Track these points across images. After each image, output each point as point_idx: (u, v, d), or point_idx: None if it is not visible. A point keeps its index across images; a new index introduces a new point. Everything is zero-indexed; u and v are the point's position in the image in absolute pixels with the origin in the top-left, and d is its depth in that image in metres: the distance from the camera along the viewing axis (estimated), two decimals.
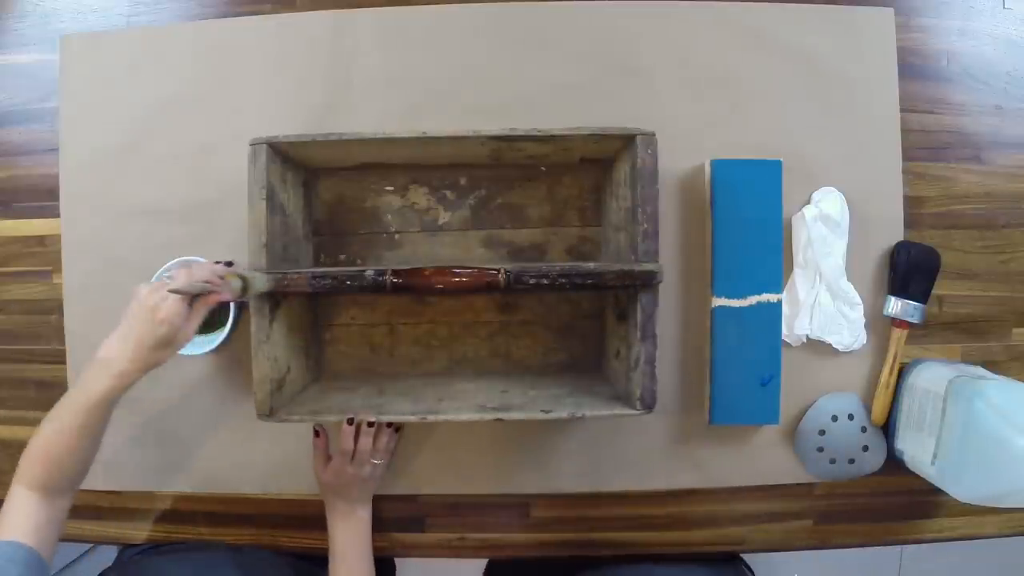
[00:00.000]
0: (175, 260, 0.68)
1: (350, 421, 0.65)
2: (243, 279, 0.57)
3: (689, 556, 0.75)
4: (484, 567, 0.92)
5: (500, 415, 0.60)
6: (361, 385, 0.69)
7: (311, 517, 0.73)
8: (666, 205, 0.71)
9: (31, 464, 0.57)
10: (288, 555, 0.74)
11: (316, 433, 0.70)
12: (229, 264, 0.66)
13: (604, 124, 0.64)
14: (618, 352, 0.66)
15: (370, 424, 0.67)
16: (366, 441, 0.67)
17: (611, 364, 0.68)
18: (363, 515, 0.70)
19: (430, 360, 0.72)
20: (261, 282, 0.58)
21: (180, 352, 0.67)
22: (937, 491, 0.65)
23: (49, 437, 0.57)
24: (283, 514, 0.74)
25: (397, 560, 0.88)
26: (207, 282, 0.57)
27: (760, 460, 0.73)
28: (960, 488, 0.62)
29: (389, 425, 0.70)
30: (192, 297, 0.58)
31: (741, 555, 0.81)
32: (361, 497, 0.70)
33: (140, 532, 0.75)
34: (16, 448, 0.75)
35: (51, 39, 0.75)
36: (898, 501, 0.74)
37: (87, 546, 1.22)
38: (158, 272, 0.67)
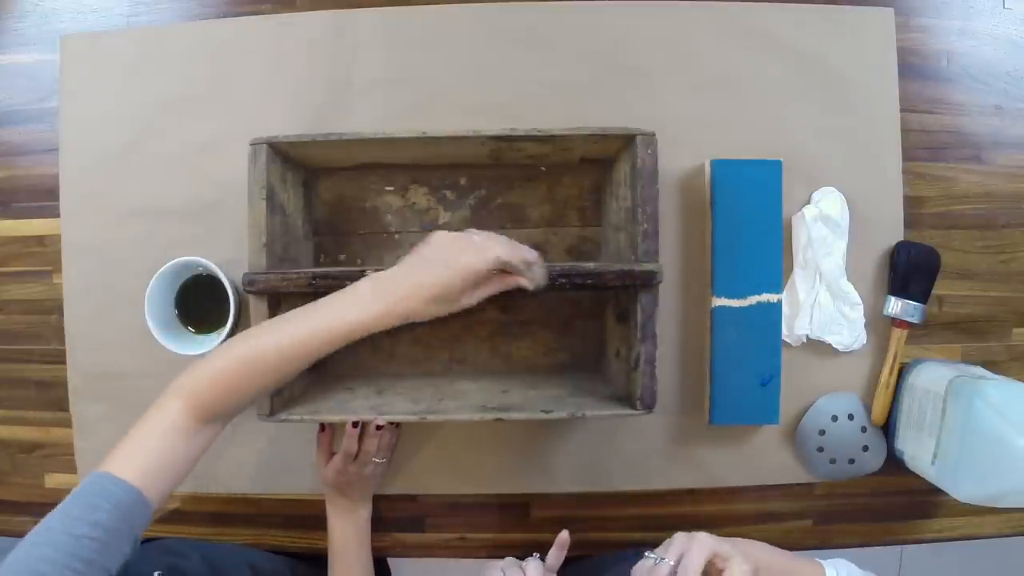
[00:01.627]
0: (175, 260, 0.68)
1: (355, 425, 0.65)
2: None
3: None
4: None
5: (500, 415, 0.60)
6: (361, 385, 0.69)
7: (311, 517, 0.73)
8: (666, 205, 0.71)
9: (207, 386, 0.51)
10: (288, 555, 0.74)
11: (321, 427, 0.70)
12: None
13: (604, 124, 0.64)
14: (618, 352, 0.66)
15: (379, 427, 0.66)
16: (371, 442, 0.66)
17: (611, 364, 0.68)
18: (363, 514, 0.70)
19: (430, 360, 0.72)
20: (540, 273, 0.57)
21: (178, 351, 0.67)
22: (937, 491, 0.65)
23: (246, 356, 0.51)
24: (283, 514, 0.75)
25: (392, 560, 0.88)
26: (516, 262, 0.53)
27: (760, 460, 0.73)
28: (960, 488, 0.62)
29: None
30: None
31: None
32: (363, 496, 0.70)
33: None
34: (16, 448, 0.76)
35: (51, 39, 0.74)
36: (898, 501, 0.74)
37: None
38: (159, 271, 0.67)
